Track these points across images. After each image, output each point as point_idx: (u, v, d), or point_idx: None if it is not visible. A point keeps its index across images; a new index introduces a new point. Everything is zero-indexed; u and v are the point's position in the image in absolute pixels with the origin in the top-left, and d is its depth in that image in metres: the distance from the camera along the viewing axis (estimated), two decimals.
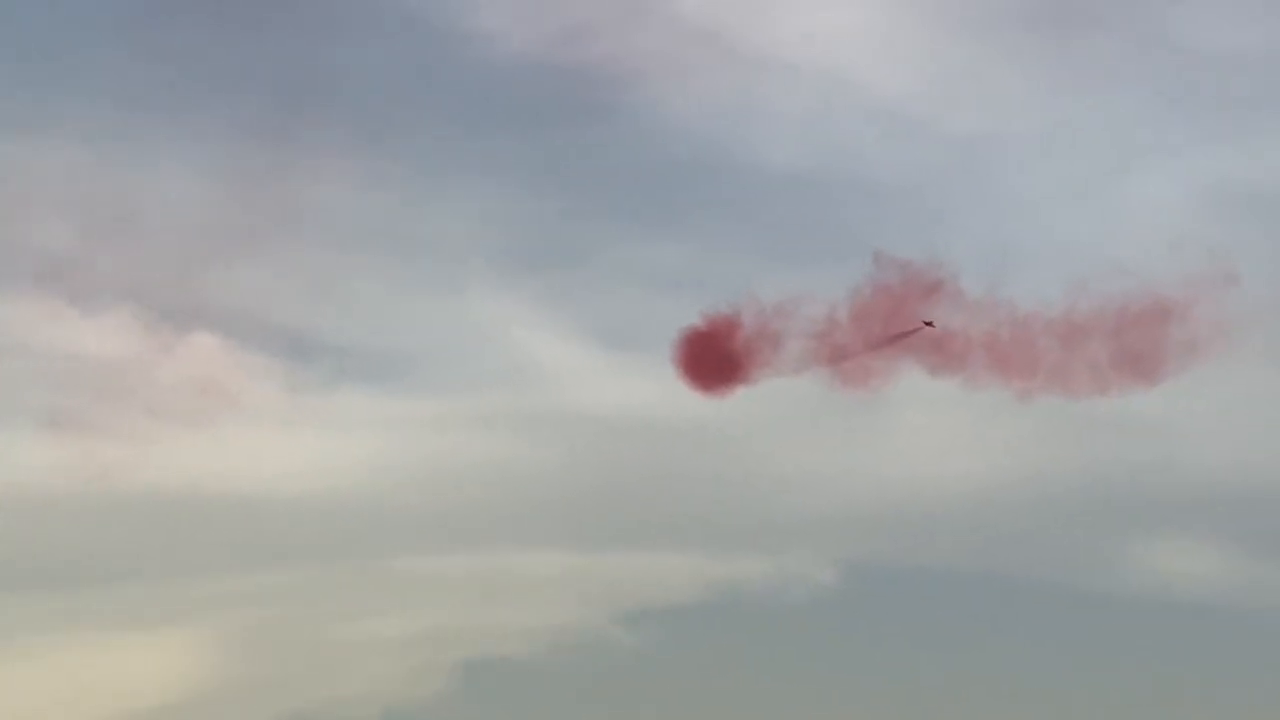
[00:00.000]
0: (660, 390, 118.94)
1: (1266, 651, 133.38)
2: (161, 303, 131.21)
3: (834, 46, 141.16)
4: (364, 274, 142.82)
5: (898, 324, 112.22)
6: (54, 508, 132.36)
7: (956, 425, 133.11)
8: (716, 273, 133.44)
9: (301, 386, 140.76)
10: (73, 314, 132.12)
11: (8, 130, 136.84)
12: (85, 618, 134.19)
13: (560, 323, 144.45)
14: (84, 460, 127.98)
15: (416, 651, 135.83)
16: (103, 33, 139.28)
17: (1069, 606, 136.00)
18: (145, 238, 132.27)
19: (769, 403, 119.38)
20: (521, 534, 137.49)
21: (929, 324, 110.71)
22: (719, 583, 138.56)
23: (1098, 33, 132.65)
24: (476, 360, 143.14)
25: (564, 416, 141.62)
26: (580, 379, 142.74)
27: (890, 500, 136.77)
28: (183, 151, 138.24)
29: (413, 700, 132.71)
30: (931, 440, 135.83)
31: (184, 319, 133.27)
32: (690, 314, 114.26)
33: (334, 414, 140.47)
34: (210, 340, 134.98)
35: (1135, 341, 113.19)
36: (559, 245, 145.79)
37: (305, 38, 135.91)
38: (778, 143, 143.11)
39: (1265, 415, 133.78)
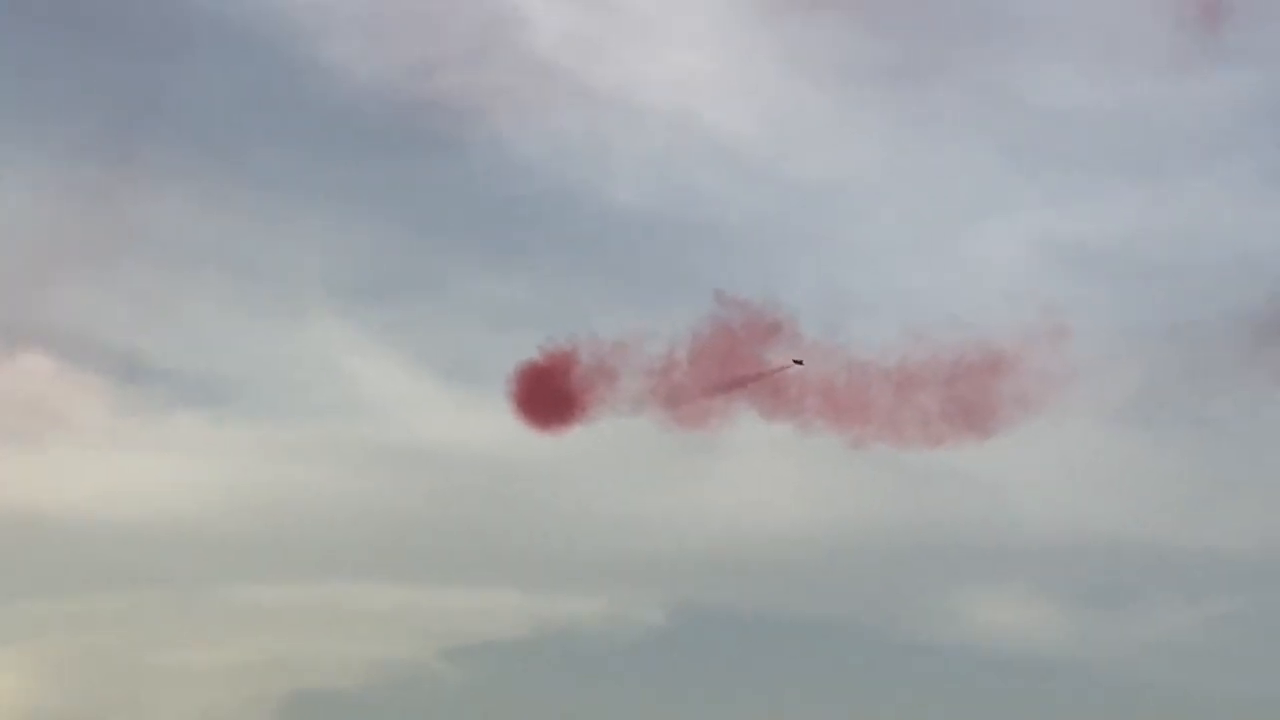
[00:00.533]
0: (496, 425, 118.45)
1: (1087, 704, 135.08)
2: None
3: (682, 88, 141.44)
4: (200, 297, 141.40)
5: (736, 366, 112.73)
6: None
7: (789, 470, 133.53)
8: (558, 309, 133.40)
9: (132, 409, 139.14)
10: None
11: None
12: None
13: (398, 354, 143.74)
14: None
15: (242, 682, 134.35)
16: None
17: (894, 654, 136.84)
18: None
19: (604, 441, 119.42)
20: (351, 566, 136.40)
21: (798, 362, 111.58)
22: (548, 620, 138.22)
23: (941, 86, 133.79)
24: (311, 389, 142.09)
25: (398, 449, 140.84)
26: (416, 411, 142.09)
27: (721, 543, 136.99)
28: (16, 167, 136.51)
29: None
30: (764, 484, 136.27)
31: (13, 338, 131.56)
32: (530, 350, 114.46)
33: (164, 438, 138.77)
34: (40, 360, 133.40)
35: (968, 393, 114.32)
36: (401, 276, 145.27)
37: (147, 58, 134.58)
38: (624, 181, 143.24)
39: (1092, 470, 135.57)
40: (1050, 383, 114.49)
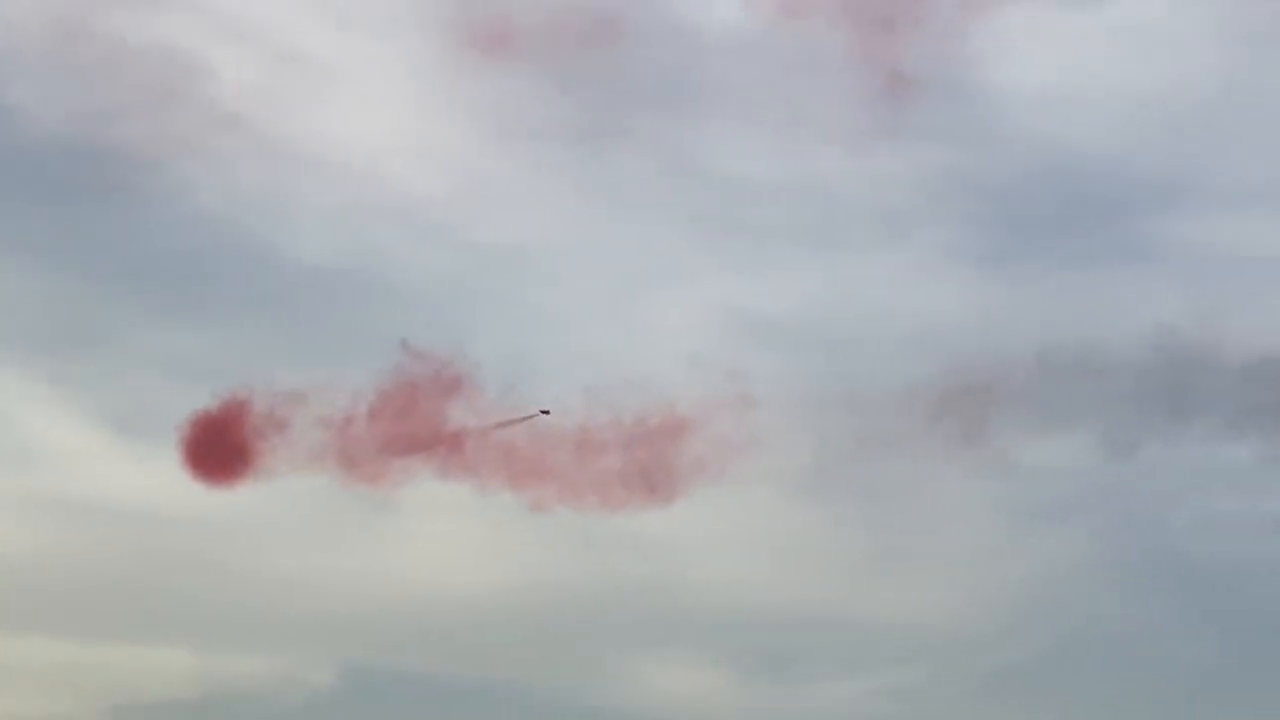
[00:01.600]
0: (166, 479, 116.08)
1: None
2: None
3: (369, 145, 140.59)
4: None
5: (417, 423, 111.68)
6: None
7: (467, 531, 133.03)
8: (234, 363, 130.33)
9: None
10: None
11: None
12: None
13: (70, 406, 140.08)
14: None
15: None
16: None
17: (567, 719, 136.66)
18: None
19: (278, 497, 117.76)
20: (11, 620, 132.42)
21: (545, 412, 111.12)
22: (217, 679, 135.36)
23: (627, 151, 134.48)
24: None
25: (66, 501, 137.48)
26: (86, 463, 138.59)
27: (396, 604, 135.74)
28: None
29: None
30: (442, 545, 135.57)
31: None
32: (204, 403, 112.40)
33: None
34: None
35: (649, 458, 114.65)
36: (75, 327, 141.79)
37: None
38: (308, 237, 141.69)
39: (767, 538, 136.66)
40: (729, 450, 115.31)
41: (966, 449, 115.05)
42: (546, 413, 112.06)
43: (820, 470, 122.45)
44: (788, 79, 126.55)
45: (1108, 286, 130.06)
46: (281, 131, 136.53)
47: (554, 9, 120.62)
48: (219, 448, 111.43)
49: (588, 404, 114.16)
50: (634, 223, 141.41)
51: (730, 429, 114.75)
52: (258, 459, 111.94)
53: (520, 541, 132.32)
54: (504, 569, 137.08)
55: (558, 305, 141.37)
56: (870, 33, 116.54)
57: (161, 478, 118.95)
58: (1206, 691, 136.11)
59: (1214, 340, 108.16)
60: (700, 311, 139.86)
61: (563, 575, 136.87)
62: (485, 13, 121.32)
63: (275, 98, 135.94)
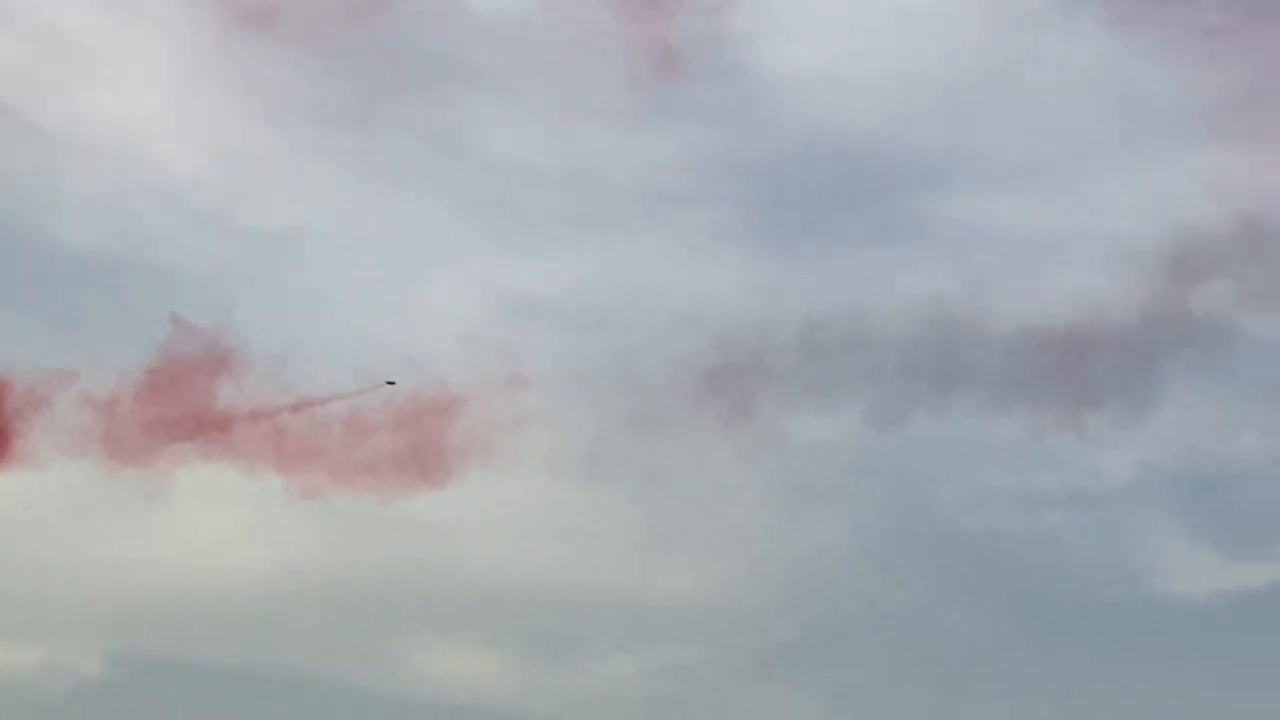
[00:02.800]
0: None
1: None
2: None
3: (134, 128, 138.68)
4: None
5: (185, 406, 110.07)
6: None
7: (237, 516, 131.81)
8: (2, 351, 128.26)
9: None
10: None
11: None
12: None
13: None
14: None
15: None
16: None
17: (343, 704, 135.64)
18: None
19: (41, 484, 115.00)
20: None
21: (391, 383, 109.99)
22: None
23: (397, 134, 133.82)
24: None
25: None
26: None
27: (164, 590, 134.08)
28: None
29: None
30: (211, 531, 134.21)
31: None
32: None
33: None
34: None
35: (422, 441, 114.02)
36: None
37: None
38: (74, 223, 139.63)
39: (542, 519, 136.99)
40: (503, 432, 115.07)
41: (738, 427, 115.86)
42: (392, 383, 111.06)
43: (594, 451, 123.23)
44: (557, 59, 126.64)
45: (876, 264, 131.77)
46: (44, 115, 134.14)
47: None
48: None
49: (361, 391, 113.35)
50: (405, 205, 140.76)
51: (504, 410, 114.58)
52: (18, 444, 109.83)
53: (291, 526, 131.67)
54: (275, 554, 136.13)
55: (328, 289, 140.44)
56: (639, 12, 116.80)
57: None
58: (975, 664, 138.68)
59: (979, 315, 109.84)
60: (472, 294, 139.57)
61: (335, 560, 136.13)
62: None
63: (36, 81, 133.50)
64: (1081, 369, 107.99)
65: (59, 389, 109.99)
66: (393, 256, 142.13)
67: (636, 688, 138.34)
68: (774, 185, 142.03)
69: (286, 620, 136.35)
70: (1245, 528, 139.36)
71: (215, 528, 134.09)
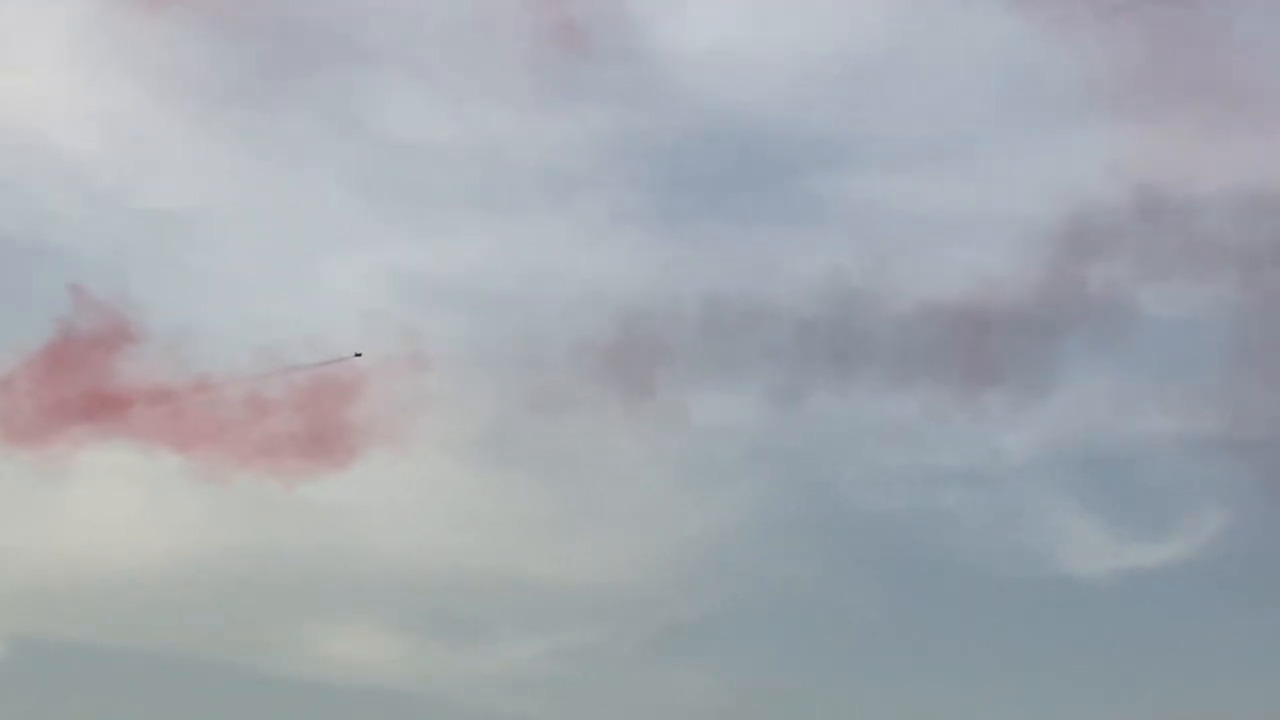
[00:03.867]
0: None
1: None
2: None
3: (28, 107, 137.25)
4: None
5: (83, 385, 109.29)
6: None
7: (136, 499, 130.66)
8: None
9: None
10: None
11: None
12: None
13: None
14: None
15: None
16: None
17: (243, 688, 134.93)
18: None
19: None
20: None
21: (359, 354, 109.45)
22: None
23: (295, 113, 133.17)
24: None
25: None
26: None
27: (63, 575, 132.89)
28: None
29: None
30: (109, 513, 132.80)
31: None
32: None
33: None
34: None
35: (322, 423, 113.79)
36: None
37: None
38: None
39: (444, 501, 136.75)
40: (403, 414, 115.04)
41: (640, 406, 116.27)
42: (359, 355, 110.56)
43: (496, 433, 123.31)
44: (458, 38, 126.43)
45: (777, 244, 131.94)
46: None
47: None
48: None
49: (259, 370, 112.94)
50: (304, 185, 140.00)
51: (405, 392, 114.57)
52: None
53: (192, 509, 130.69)
54: (175, 538, 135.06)
55: (227, 269, 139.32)
56: None
57: None
58: (875, 643, 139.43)
59: (879, 293, 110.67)
60: (371, 275, 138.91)
61: (236, 543, 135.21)
62: None
63: None
64: (980, 347, 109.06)
65: None
66: (292, 237, 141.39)
67: (539, 670, 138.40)
68: (676, 165, 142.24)
69: (188, 604, 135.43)
70: (1145, 507, 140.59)
71: (114, 510, 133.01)
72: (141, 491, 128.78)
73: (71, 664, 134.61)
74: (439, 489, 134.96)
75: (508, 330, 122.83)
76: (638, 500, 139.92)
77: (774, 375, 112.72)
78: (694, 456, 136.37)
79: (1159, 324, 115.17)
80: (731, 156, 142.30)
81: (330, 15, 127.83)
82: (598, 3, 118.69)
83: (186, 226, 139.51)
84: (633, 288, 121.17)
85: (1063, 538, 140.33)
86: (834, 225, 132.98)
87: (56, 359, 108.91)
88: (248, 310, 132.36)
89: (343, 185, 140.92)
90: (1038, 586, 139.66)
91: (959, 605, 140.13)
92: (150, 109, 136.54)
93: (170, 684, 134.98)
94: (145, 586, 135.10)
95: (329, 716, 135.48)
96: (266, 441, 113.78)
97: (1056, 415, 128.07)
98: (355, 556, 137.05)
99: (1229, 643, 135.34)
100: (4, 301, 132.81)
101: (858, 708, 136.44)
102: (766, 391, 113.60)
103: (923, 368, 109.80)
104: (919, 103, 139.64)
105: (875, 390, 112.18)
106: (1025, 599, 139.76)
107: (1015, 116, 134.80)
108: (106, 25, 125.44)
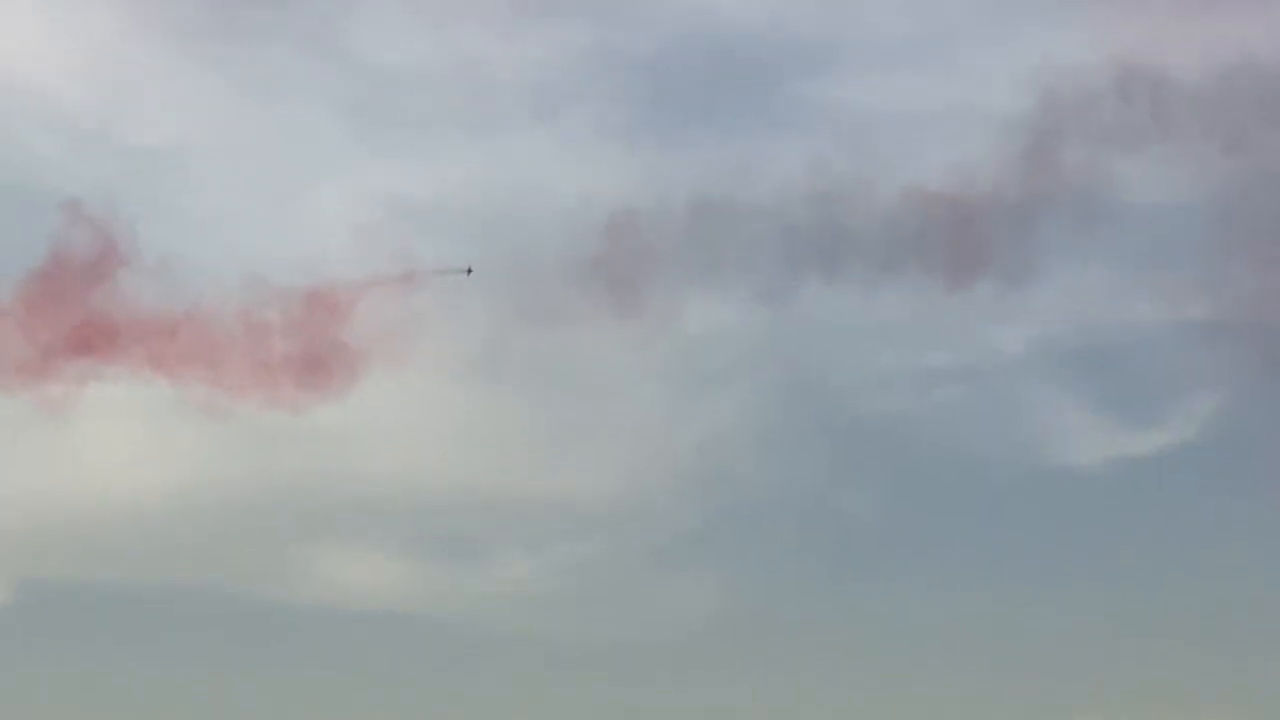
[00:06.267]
0: None
1: (439, 657, 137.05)
2: None
3: (14, 51, 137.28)
4: None
5: (76, 316, 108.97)
6: None
7: (135, 433, 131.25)
8: None
9: None
10: None
11: None
12: None
13: None
14: None
15: None
16: None
17: (249, 616, 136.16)
18: None
19: None
20: None
21: (469, 270, 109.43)
22: None
23: (277, 44, 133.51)
24: None
25: None
26: None
27: (65, 514, 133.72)
28: None
29: None
30: (110, 449, 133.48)
31: None
32: None
33: None
34: None
35: (316, 350, 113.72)
36: None
37: None
38: None
39: (439, 422, 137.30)
40: (397, 336, 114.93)
41: (631, 317, 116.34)
42: (470, 271, 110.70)
43: (489, 351, 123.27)
44: None
45: (761, 149, 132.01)
46: None
47: None
48: None
49: (251, 295, 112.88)
50: (287, 114, 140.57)
51: (397, 313, 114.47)
52: None
53: (189, 440, 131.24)
54: (175, 471, 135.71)
55: (215, 202, 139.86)
56: None
57: None
58: (875, 544, 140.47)
59: (862, 189, 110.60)
60: (360, 201, 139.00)
61: (234, 473, 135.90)
62: None
63: None
64: (965, 236, 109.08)
65: None
66: (278, 166, 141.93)
67: (542, 586, 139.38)
68: (657, 77, 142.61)
69: (190, 537, 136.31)
70: (1137, 395, 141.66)
71: (114, 447, 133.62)
72: (140, 425, 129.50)
73: (78, 603, 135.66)
74: (435, 410, 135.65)
75: (497, 248, 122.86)
76: (633, 412, 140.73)
77: (763, 276, 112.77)
78: (687, 365, 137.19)
79: (1144, 211, 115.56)
80: (711, 66, 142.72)
81: None
82: None
83: (173, 161, 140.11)
84: (619, 199, 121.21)
85: (1056, 429, 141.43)
86: (817, 128, 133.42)
87: (50, 284, 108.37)
88: (238, 240, 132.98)
89: (326, 113, 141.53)
90: (1033, 479, 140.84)
91: (956, 501, 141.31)
92: (129, 45, 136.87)
93: (176, 616, 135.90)
94: (148, 522, 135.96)
95: (334, 641, 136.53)
96: (263, 369, 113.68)
97: (1046, 308, 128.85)
98: (354, 480, 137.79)
99: (1224, 527, 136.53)
100: None
101: (860, 607, 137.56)
102: (756, 293, 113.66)
103: (909, 260, 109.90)
104: (896, 3, 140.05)
105: (864, 286, 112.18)
106: (1021, 492, 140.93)
107: (993, 8, 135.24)
108: None
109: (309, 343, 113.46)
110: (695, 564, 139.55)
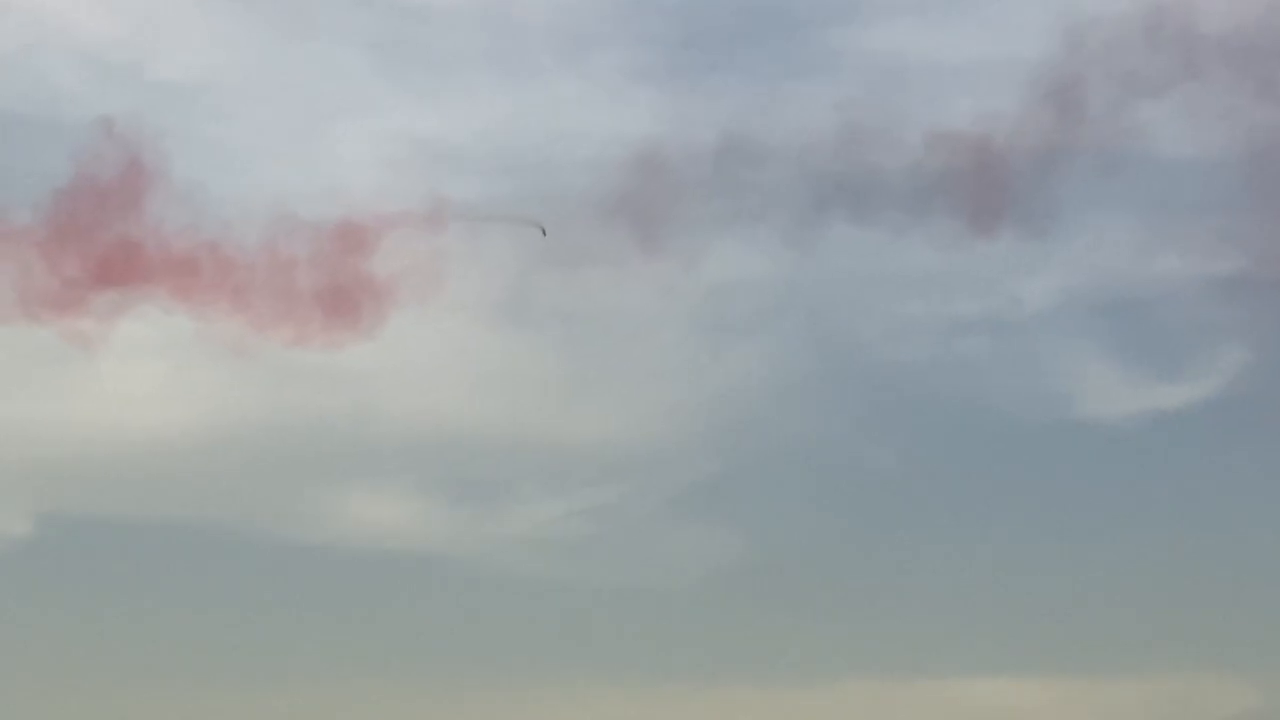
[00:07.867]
0: None
1: (463, 598, 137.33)
2: None
3: None
4: None
5: (102, 243, 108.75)
6: None
7: (159, 369, 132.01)
8: None
9: None
10: None
11: None
12: None
13: None
14: None
15: None
16: None
17: (274, 555, 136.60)
18: None
19: None
20: None
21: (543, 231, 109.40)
22: None
23: None
24: None
25: None
26: None
27: (88, 448, 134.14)
28: None
29: None
30: (135, 385, 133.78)
31: None
32: None
33: None
34: None
35: (342, 290, 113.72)
36: None
37: None
38: None
39: (465, 364, 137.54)
40: (424, 277, 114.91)
41: (656, 262, 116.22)
42: (544, 231, 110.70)
43: (514, 295, 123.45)
44: None
45: (788, 95, 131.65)
46: None
47: None
48: None
49: (277, 238, 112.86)
50: (315, 55, 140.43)
51: (422, 255, 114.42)
52: None
53: (213, 377, 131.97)
54: (199, 408, 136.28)
55: (242, 139, 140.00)
56: None
57: None
58: (898, 495, 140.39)
59: (889, 135, 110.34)
60: (388, 142, 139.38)
61: (259, 411, 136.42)
62: None
63: None
64: (992, 184, 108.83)
65: None
66: (305, 106, 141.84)
67: (562, 530, 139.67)
68: (686, 21, 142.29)
69: (214, 474, 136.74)
70: (1164, 349, 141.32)
71: (138, 382, 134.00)
72: (164, 361, 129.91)
73: (99, 538, 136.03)
74: (459, 352, 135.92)
75: (523, 191, 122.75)
76: (656, 358, 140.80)
77: (788, 221, 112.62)
78: (712, 311, 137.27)
79: (1172, 162, 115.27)
80: (742, 10, 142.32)
81: None
82: None
83: (202, 96, 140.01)
84: (648, 141, 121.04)
85: (1083, 382, 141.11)
86: (845, 75, 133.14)
87: (77, 203, 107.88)
88: (265, 175, 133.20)
89: (354, 52, 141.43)
90: (1059, 432, 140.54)
91: (980, 453, 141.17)
92: None
93: (195, 554, 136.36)
94: (171, 459, 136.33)
95: (354, 580, 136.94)
96: (289, 304, 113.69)
97: (1072, 260, 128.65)
98: (379, 422, 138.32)
99: (1250, 481, 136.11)
100: (15, 179, 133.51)
101: (881, 558, 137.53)
102: (782, 238, 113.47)
103: (935, 205, 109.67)
104: None
105: (890, 232, 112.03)
106: (1046, 445, 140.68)
107: None
108: None
109: (336, 277, 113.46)
110: (715, 512, 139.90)
